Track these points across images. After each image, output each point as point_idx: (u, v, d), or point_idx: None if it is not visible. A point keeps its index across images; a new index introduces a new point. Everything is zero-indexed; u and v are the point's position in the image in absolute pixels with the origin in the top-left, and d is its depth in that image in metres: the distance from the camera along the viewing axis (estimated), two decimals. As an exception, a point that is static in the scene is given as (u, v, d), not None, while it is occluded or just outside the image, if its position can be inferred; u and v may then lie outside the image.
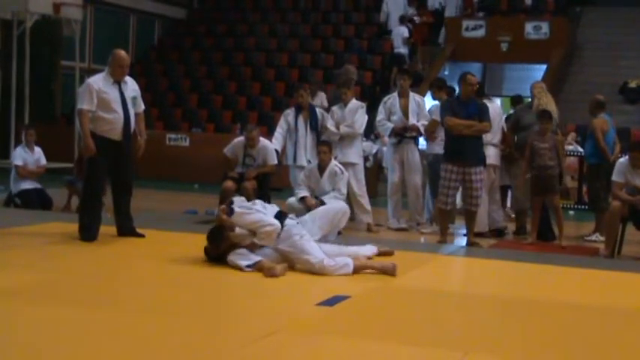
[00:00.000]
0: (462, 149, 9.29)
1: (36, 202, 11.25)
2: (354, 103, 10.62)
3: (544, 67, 18.47)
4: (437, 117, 10.07)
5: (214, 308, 5.91)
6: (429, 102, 11.74)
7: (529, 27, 19.47)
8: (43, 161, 11.71)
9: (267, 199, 10.46)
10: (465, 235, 9.76)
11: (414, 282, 7.24)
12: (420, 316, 6.00)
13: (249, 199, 7.94)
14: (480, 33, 19.91)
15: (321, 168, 9.92)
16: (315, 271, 7.04)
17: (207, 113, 19.36)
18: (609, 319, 6.13)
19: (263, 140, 10.31)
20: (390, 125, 10.59)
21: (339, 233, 9.72)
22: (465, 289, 7.43)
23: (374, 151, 14.20)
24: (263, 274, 6.84)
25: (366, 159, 12.48)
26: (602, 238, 9.89)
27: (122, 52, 8.51)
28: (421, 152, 10.89)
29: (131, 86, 8.58)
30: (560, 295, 6.97)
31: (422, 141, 10.98)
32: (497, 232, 10.47)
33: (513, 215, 11.21)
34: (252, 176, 10.06)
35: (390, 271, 7.17)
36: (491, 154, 10.18)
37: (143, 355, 4.66)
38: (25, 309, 5.55)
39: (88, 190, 8.56)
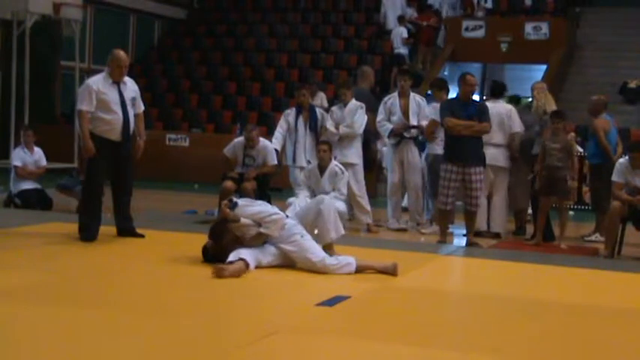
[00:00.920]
0: (462, 149, 9.29)
1: (36, 202, 11.25)
2: (353, 103, 10.61)
3: (544, 67, 18.47)
4: (435, 117, 10.08)
5: (214, 308, 5.91)
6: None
7: (529, 27, 19.48)
8: (43, 162, 11.70)
9: (267, 200, 10.48)
10: (464, 235, 9.75)
11: (414, 282, 7.24)
12: (420, 316, 5.99)
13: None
14: (480, 33, 19.92)
15: (322, 168, 9.92)
16: (316, 269, 7.03)
17: (207, 113, 19.36)
18: (609, 319, 6.13)
19: (263, 140, 10.31)
20: (390, 126, 10.58)
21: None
22: (465, 289, 7.43)
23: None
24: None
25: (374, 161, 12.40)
26: (602, 239, 9.89)
27: (121, 53, 8.50)
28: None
29: (130, 87, 8.58)
30: (560, 295, 6.97)
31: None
32: (495, 234, 10.44)
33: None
34: (252, 176, 10.06)
35: (391, 271, 7.16)
36: (491, 154, 10.09)
37: (142, 356, 4.65)
38: (24, 309, 5.54)
39: (88, 190, 8.56)
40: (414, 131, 10.55)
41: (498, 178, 10.32)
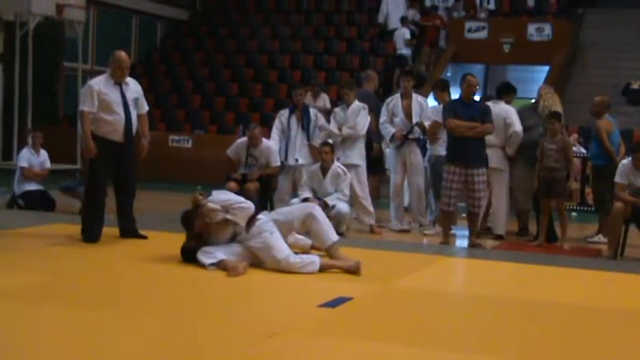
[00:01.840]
0: (465, 150, 9.29)
1: (39, 203, 11.27)
2: (356, 104, 10.61)
3: (546, 68, 18.47)
4: (438, 118, 10.08)
5: (216, 309, 5.92)
6: (432, 103, 11.72)
7: (531, 28, 19.48)
8: (48, 164, 11.74)
9: (269, 201, 10.51)
10: (467, 236, 9.75)
11: (417, 283, 7.24)
12: (422, 317, 5.99)
13: (252, 201, 7.93)
14: (483, 34, 19.93)
15: (324, 169, 9.93)
16: (281, 268, 7.04)
17: (209, 115, 19.38)
18: (612, 321, 6.12)
19: (266, 141, 10.33)
20: (392, 130, 10.58)
21: (342, 234, 9.74)
22: (468, 290, 7.42)
23: None
24: (227, 274, 6.84)
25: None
26: (605, 240, 9.88)
27: (122, 54, 8.50)
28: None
29: (133, 87, 8.58)
30: (563, 296, 6.96)
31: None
32: (497, 235, 10.40)
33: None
34: (255, 178, 10.07)
35: (353, 271, 7.10)
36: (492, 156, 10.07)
37: (145, 356, 4.65)
38: (27, 310, 5.55)
39: (90, 191, 8.56)
40: (417, 131, 10.54)
41: (494, 179, 10.28)
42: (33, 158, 11.56)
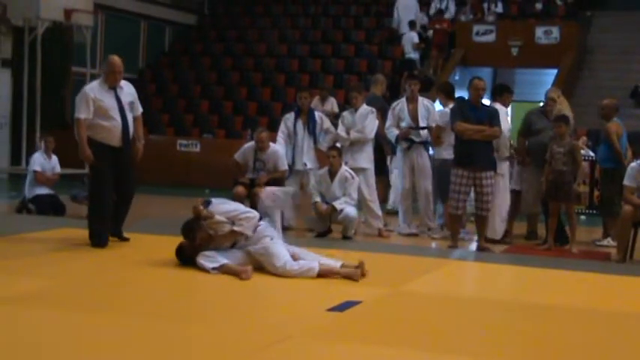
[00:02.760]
0: (473, 154, 9.28)
1: (49, 207, 11.30)
2: (364, 108, 10.60)
3: (555, 71, 18.44)
4: (442, 123, 10.08)
5: (225, 314, 5.92)
6: (438, 107, 11.69)
7: (539, 31, 19.46)
8: (58, 169, 11.80)
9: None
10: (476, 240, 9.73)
11: (425, 287, 7.23)
12: (431, 321, 5.99)
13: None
14: (491, 38, 19.92)
15: (332, 173, 9.92)
16: (278, 273, 7.04)
17: (217, 119, 19.39)
18: (621, 324, 6.11)
19: (273, 145, 10.33)
20: (395, 132, 10.57)
21: (349, 238, 9.74)
22: (476, 294, 7.41)
23: None
24: (240, 278, 6.83)
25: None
26: (613, 243, 9.85)
27: (115, 58, 8.49)
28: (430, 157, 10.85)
29: (127, 90, 8.58)
30: (572, 300, 6.95)
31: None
32: (492, 239, 10.28)
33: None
34: (263, 182, 10.07)
35: (353, 277, 7.04)
36: None
37: (154, 361, 4.67)
38: (34, 314, 5.57)
39: (96, 198, 8.55)
40: (423, 134, 10.53)
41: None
42: (45, 163, 11.62)
